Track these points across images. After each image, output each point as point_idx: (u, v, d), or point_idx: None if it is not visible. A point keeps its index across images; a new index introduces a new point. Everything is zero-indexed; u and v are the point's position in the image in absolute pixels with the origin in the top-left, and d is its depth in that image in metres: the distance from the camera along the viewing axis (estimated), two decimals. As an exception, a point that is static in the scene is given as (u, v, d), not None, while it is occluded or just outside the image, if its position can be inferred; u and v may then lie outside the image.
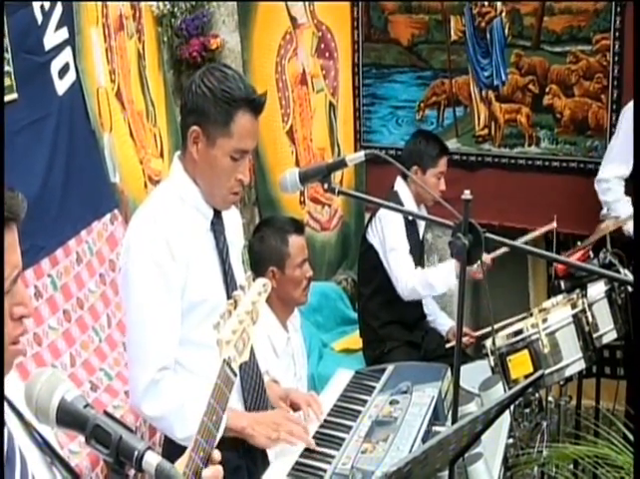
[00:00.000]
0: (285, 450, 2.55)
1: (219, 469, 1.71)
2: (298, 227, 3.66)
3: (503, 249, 4.20)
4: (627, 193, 4.48)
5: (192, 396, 2.44)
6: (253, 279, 2.04)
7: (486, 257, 4.19)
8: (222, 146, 2.47)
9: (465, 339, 4.18)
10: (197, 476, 1.67)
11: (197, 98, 2.46)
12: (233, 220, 2.74)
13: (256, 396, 2.64)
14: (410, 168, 4.31)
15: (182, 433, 2.45)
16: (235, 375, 1.91)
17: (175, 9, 4.78)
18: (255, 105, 2.48)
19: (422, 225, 4.58)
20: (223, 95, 2.44)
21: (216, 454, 1.73)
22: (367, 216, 4.78)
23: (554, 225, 4.26)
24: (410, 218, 4.42)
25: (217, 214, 2.60)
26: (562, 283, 3.92)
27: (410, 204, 4.41)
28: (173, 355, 2.51)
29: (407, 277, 4.31)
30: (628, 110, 4.47)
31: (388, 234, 4.36)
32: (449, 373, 3.00)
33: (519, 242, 3.93)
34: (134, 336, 2.53)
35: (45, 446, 1.57)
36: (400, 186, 4.46)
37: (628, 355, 4.26)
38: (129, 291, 2.52)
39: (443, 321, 4.70)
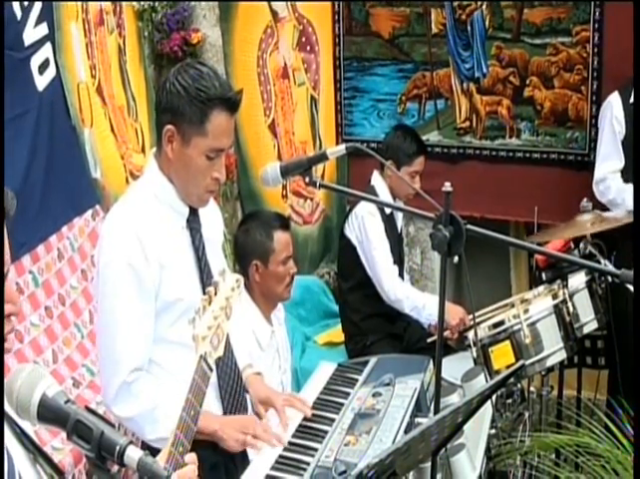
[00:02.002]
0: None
1: (193, 469, 1.71)
2: (284, 222, 3.66)
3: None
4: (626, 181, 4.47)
5: (166, 397, 2.44)
6: (230, 274, 2.05)
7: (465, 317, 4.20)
8: (198, 145, 2.43)
9: (447, 333, 4.19)
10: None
11: (172, 97, 2.42)
12: (212, 215, 2.71)
13: (234, 393, 2.63)
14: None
15: (152, 435, 2.46)
16: (211, 370, 1.92)
17: (156, 3, 4.76)
18: (231, 103, 2.44)
19: (399, 218, 4.58)
20: (198, 94, 2.40)
21: (189, 456, 1.73)
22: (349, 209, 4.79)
23: None
24: (388, 212, 4.42)
25: (193, 211, 2.57)
26: (543, 274, 3.94)
27: (386, 198, 4.39)
28: (146, 356, 2.49)
29: (392, 286, 4.32)
30: (607, 104, 4.50)
31: (367, 231, 4.35)
32: (431, 365, 3.01)
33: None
34: (106, 338, 2.50)
35: (28, 443, 1.56)
36: (376, 180, 4.46)
37: (609, 345, 4.28)
38: (101, 292, 2.50)
39: None
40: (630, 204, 4.32)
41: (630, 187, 4.37)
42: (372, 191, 4.37)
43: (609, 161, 4.48)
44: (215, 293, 2.02)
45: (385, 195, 4.41)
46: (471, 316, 4.08)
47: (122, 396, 2.44)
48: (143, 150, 4.47)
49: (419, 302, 4.28)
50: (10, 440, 1.53)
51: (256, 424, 2.55)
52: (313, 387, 2.93)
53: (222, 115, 2.44)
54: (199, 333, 1.92)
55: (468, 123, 5.29)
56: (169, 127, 2.44)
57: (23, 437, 1.56)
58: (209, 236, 2.65)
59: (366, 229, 4.36)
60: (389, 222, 4.44)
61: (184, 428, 1.75)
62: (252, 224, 3.62)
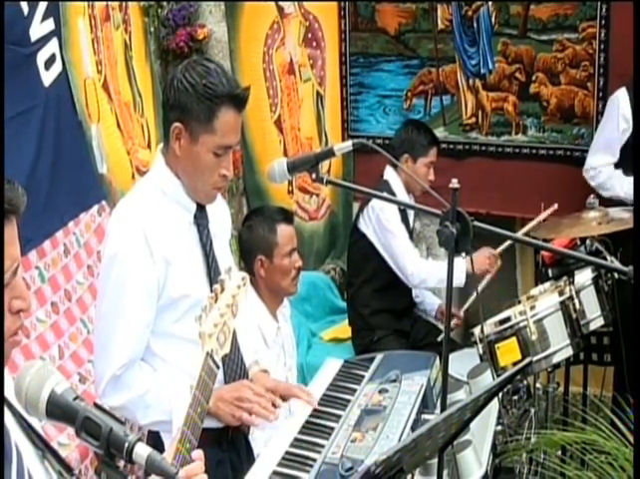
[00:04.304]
0: (274, 439, 2.56)
1: (200, 465, 1.71)
2: (287, 216, 3.66)
3: (508, 243, 4.28)
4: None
5: (159, 383, 2.45)
6: (236, 271, 2.06)
7: (494, 253, 4.25)
8: (206, 142, 2.43)
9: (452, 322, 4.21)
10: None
11: (179, 94, 2.41)
12: (219, 211, 2.70)
13: None
14: (400, 156, 4.33)
15: (145, 420, 2.48)
16: (218, 367, 1.93)
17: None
18: (239, 100, 2.44)
19: (411, 213, 4.59)
20: (206, 91, 2.39)
21: (196, 453, 1.73)
22: (355, 205, 4.79)
23: (555, 206, 4.33)
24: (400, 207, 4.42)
25: (201, 207, 2.57)
26: (550, 271, 3.94)
27: (401, 192, 4.42)
28: (140, 351, 2.49)
29: (415, 267, 4.33)
30: (614, 99, 4.49)
31: (385, 223, 4.36)
32: (437, 361, 3.01)
33: (521, 232, 3.99)
34: (102, 331, 2.51)
35: (37, 439, 1.56)
36: (390, 175, 4.46)
37: (615, 342, 4.28)
38: (103, 286, 2.51)
39: (431, 301, 4.72)
40: (618, 191, 4.36)
41: (619, 173, 4.41)
42: (386, 186, 4.38)
43: (603, 153, 4.48)
44: (222, 291, 2.03)
45: (399, 190, 4.43)
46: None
47: (111, 388, 2.45)
48: (149, 145, 4.47)
49: (443, 273, 4.29)
50: (19, 437, 1.53)
51: (249, 391, 2.52)
52: (319, 383, 2.93)
53: (230, 112, 2.43)
54: (206, 331, 1.93)
55: (473, 119, 5.28)
56: (177, 124, 2.44)
57: (32, 434, 1.56)
58: (217, 232, 2.64)
59: (384, 220, 4.36)
60: (402, 217, 4.45)
61: (191, 425, 1.75)
62: (255, 219, 3.63)
